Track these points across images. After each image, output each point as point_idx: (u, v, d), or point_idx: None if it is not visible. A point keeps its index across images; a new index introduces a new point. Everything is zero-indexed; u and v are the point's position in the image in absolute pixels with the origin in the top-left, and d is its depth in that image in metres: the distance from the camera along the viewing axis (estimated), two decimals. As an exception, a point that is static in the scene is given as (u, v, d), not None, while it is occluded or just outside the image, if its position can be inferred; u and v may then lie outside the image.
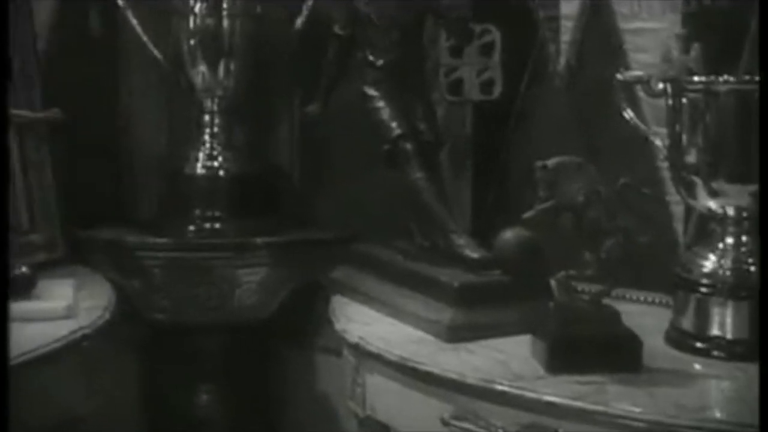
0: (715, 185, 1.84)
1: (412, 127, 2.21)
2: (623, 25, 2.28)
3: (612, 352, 1.76)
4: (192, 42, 2.70)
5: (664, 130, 1.94)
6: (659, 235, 2.01)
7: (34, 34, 2.66)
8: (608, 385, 1.69)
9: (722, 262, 1.87)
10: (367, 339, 2.00)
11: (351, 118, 2.45)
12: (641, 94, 2.02)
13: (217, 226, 2.68)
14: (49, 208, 2.61)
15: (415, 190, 2.18)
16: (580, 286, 1.84)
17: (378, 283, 2.23)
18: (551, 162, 1.80)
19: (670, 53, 1.93)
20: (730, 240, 1.88)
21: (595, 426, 1.60)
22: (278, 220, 2.76)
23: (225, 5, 2.68)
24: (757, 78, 1.78)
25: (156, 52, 2.77)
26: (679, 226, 2.18)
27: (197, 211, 2.69)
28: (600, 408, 1.61)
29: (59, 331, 2.04)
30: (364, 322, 2.13)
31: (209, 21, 2.68)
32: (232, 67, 2.71)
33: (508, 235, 2.02)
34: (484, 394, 1.73)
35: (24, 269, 2.20)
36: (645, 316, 2.01)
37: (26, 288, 2.18)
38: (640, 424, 1.57)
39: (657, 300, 2.18)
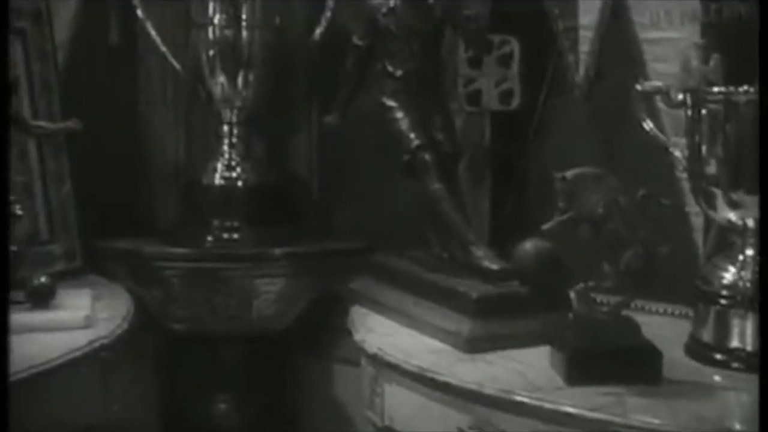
0: (734, 196, 1.83)
1: (431, 137, 2.21)
2: (642, 34, 2.27)
3: (631, 364, 1.75)
4: (211, 53, 2.71)
5: (683, 141, 1.93)
6: (679, 247, 1.99)
7: (54, 45, 2.68)
8: (627, 396, 1.67)
9: (742, 273, 1.86)
10: (386, 349, 2.00)
11: (369, 129, 2.45)
12: (660, 104, 2.02)
13: (236, 236, 2.69)
14: (68, 218, 2.63)
15: (434, 200, 2.18)
16: (599, 298, 1.83)
17: (396, 294, 2.22)
18: (570, 173, 1.80)
19: (689, 63, 1.93)
20: (749, 252, 1.87)
21: (614, 437, 1.60)
22: (296, 231, 2.77)
23: (244, 16, 2.68)
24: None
25: (175, 63, 2.79)
26: (698, 238, 2.17)
27: (215, 222, 2.69)
28: (619, 419, 1.59)
29: (78, 340, 2.05)
30: (382, 333, 2.13)
31: (228, 32, 2.69)
32: (250, 77, 2.72)
33: (527, 246, 2.01)
34: (503, 404, 1.72)
35: (43, 279, 2.21)
36: (664, 328, 2.01)
37: (45, 298, 2.19)
38: (660, 437, 1.56)
39: (676, 312, 2.18)
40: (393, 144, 2.24)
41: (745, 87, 1.82)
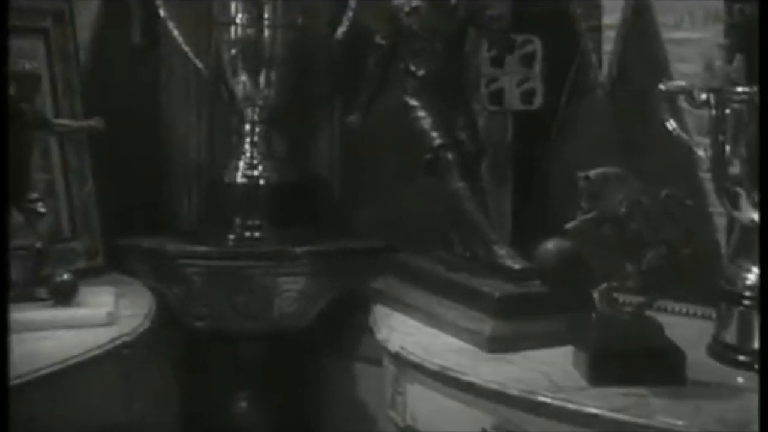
0: (758, 196, 1.82)
1: (453, 137, 2.20)
2: (665, 35, 2.26)
3: (654, 365, 1.74)
4: (233, 52, 2.72)
5: (706, 141, 1.92)
6: (702, 247, 1.99)
7: (77, 44, 2.69)
8: (650, 397, 1.67)
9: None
10: (408, 348, 2.00)
11: (391, 128, 2.46)
12: (684, 104, 2.01)
13: (257, 234, 2.69)
14: (90, 216, 2.64)
15: (456, 200, 2.17)
16: (622, 298, 1.83)
17: (419, 293, 2.22)
18: (594, 173, 1.79)
19: (712, 63, 1.92)
20: (773, 252, 1.87)
21: (637, 438, 1.59)
22: (318, 230, 2.77)
23: (266, 15, 2.69)
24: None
25: (197, 62, 2.80)
26: (721, 238, 2.16)
27: (237, 220, 2.70)
28: (642, 421, 1.58)
29: (100, 338, 2.06)
30: (404, 332, 2.12)
31: (250, 31, 2.70)
32: (272, 77, 2.73)
33: (550, 245, 2.00)
34: (526, 405, 1.72)
35: (66, 276, 2.22)
36: (687, 329, 2.00)
37: (68, 295, 2.20)
38: (683, 438, 1.55)
39: (699, 312, 2.16)
40: (415, 143, 2.24)
41: (771, 87, 1.81)
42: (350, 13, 2.75)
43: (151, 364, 2.29)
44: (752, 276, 1.86)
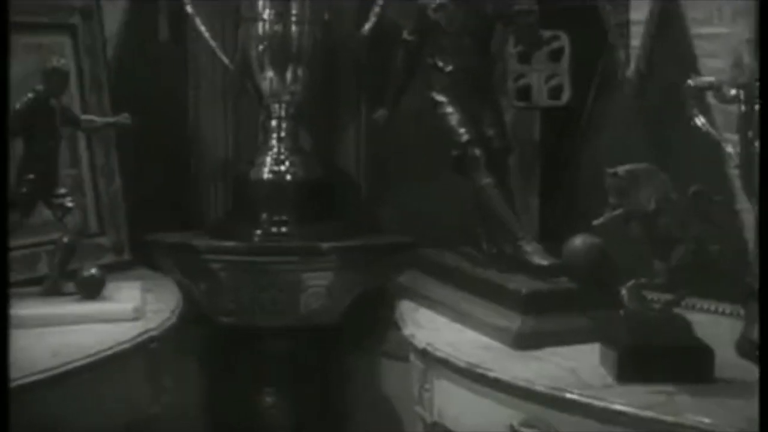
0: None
1: (481, 133, 2.20)
2: (694, 30, 2.24)
3: (683, 362, 1.74)
4: (260, 48, 2.72)
5: (735, 137, 1.90)
6: (730, 244, 1.98)
7: (105, 41, 2.70)
8: (678, 395, 1.66)
9: (795, 271, 1.84)
10: (435, 344, 2.00)
11: (417, 124, 2.45)
12: (712, 100, 2.00)
13: (284, 230, 2.69)
14: (117, 211, 2.65)
15: (484, 196, 2.17)
16: (649, 295, 1.82)
17: (445, 289, 2.22)
18: (622, 169, 1.79)
19: (741, 59, 1.90)
20: (802, 249, 1.85)
21: (666, 436, 1.58)
22: (345, 225, 2.77)
23: (293, 11, 2.70)
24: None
25: (224, 58, 2.80)
26: (750, 235, 2.14)
27: (264, 216, 2.70)
28: (670, 418, 1.58)
29: (127, 332, 2.07)
30: (431, 328, 2.13)
31: (277, 27, 2.70)
32: (299, 72, 2.74)
33: (577, 242, 2.00)
34: (554, 402, 1.71)
35: (93, 271, 2.23)
36: (716, 326, 1.99)
37: (95, 290, 2.21)
38: (712, 436, 1.54)
39: (727, 310, 2.15)
40: (442, 139, 2.24)
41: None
42: (377, 9, 2.75)
43: (177, 359, 2.29)
44: (781, 273, 1.86)
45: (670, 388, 1.68)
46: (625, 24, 2.36)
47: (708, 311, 2.16)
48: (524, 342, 1.93)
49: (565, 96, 2.44)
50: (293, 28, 2.70)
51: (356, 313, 2.74)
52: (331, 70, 2.83)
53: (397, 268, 2.46)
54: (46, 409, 1.83)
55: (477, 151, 2.18)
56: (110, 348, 1.98)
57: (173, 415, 2.25)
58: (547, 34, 2.34)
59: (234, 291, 2.66)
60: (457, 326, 2.11)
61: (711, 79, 1.96)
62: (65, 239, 2.24)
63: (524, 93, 2.42)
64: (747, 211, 2.09)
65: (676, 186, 1.79)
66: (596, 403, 1.66)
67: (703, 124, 1.97)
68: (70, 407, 1.88)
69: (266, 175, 2.74)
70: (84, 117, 2.45)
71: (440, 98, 2.24)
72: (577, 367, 1.82)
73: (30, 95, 2.19)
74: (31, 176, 2.20)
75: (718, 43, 2.19)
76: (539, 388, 1.74)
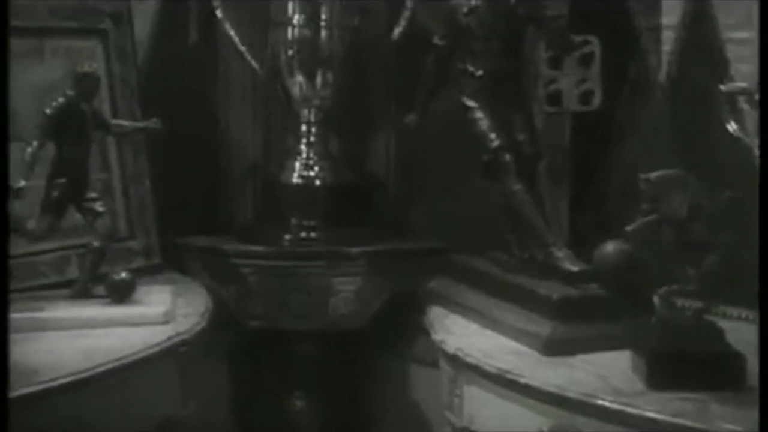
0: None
1: (512, 138, 2.19)
2: (726, 34, 2.23)
3: (715, 370, 1.72)
4: (290, 52, 2.72)
5: (768, 143, 1.89)
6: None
7: (135, 45, 2.72)
8: (710, 403, 1.64)
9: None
10: (466, 350, 1.99)
11: (447, 129, 2.45)
12: (745, 105, 1.98)
13: (313, 235, 2.70)
14: (147, 215, 2.66)
15: (514, 201, 2.16)
16: (680, 302, 1.81)
17: (475, 295, 2.22)
18: (655, 175, 1.78)
19: (774, 65, 1.89)
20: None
21: (698, 444, 1.57)
22: (374, 230, 2.77)
23: (323, 16, 2.70)
24: None
25: (254, 63, 2.81)
26: (784, 242, 2.12)
27: (293, 220, 2.71)
28: (702, 426, 1.56)
29: (157, 336, 2.07)
30: (461, 333, 2.12)
31: (307, 31, 2.70)
32: (329, 77, 2.74)
33: (609, 248, 1.99)
34: (584, 408, 1.70)
35: (124, 274, 2.24)
36: (747, 334, 1.95)
37: (125, 293, 2.22)
38: (744, 444, 1.53)
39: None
40: (472, 144, 2.23)
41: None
42: (407, 14, 2.75)
43: (206, 363, 2.30)
44: (815, 280, 1.84)
45: (701, 395, 1.66)
46: (657, 28, 2.35)
47: (739, 318, 2.13)
48: (555, 348, 1.92)
49: (596, 101, 2.42)
50: (323, 32, 2.70)
51: (385, 317, 2.73)
52: (361, 74, 2.82)
53: (426, 273, 2.45)
54: (75, 411, 1.84)
55: (507, 157, 2.17)
56: (141, 351, 1.98)
57: (202, 419, 2.25)
58: (577, 38, 2.32)
59: (263, 295, 2.66)
60: (488, 332, 2.10)
61: (743, 84, 1.94)
62: (96, 243, 2.25)
63: (555, 98, 2.40)
64: (780, 217, 2.08)
65: (708, 192, 1.77)
66: (627, 409, 1.65)
67: (735, 130, 1.95)
68: (99, 409, 1.89)
69: (295, 180, 2.74)
70: (114, 121, 2.47)
71: (471, 103, 2.23)
72: (607, 373, 1.81)
73: (61, 99, 2.20)
74: (62, 180, 2.22)
75: (751, 47, 2.17)
76: (570, 394, 1.73)
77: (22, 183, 2.09)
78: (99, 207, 2.26)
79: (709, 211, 1.76)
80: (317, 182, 2.74)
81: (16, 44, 2.43)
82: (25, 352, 1.92)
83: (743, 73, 2.15)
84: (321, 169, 2.75)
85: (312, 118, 2.77)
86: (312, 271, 2.64)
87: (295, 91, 2.75)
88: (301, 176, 2.74)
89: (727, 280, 1.77)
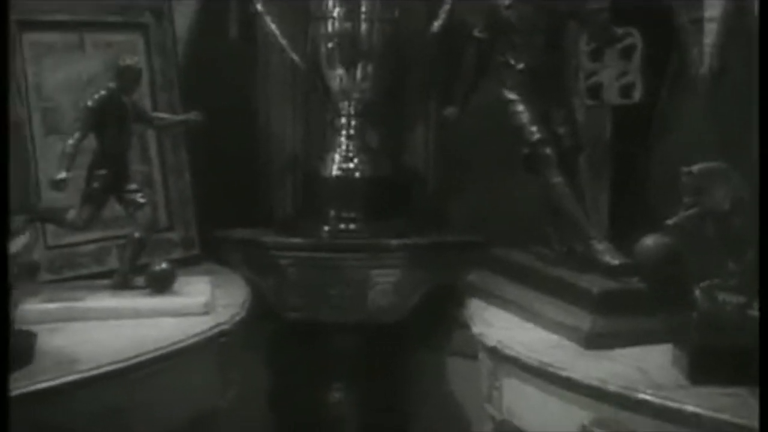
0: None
1: (552, 131, 2.19)
2: (769, 27, 2.21)
3: (756, 365, 1.69)
4: (330, 45, 2.72)
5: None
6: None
7: (175, 39, 2.73)
8: (752, 398, 1.62)
9: None
10: (505, 342, 1.99)
11: (486, 121, 2.44)
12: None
13: (352, 227, 2.70)
14: (187, 206, 2.68)
15: (554, 195, 2.16)
16: (722, 296, 1.79)
17: (515, 288, 2.21)
18: (697, 167, 1.77)
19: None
20: None
21: (739, 439, 1.56)
22: (412, 223, 2.77)
23: (363, 9, 2.70)
24: None
25: (294, 56, 2.81)
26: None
27: (332, 212, 2.71)
28: (744, 421, 1.55)
29: (196, 326, 2.09)
30: (501, 326, 2.11)
31: (347, 25, 2.70)
32: (369, 70, 2.73)
33: (649, 241, 1.98)
34: (625, 402, 1.69)
35: (164, 265, 2.25)
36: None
37: (166, 284, 2.23)
38: (787, 441, 1.51)
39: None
40: (513, 137, 2.23)
41: None
42: (447, 7, 2.74)
43: (245, 354, 2.31)
44: None
45: (743, 390, 1.65)
46: (699, 21, 2.33)
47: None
48: (596, 342, 1.91)
49: (637, 94, 2.41)
50: (363, 25, 2.70)
51: (424, 310, 2.73)
52: (401, 67, 2.82)
53: (465, 266, 2.45)
54: (116, 400, 1.85)
55: (548, 150, 2.16)
56: (181, 341, 2.00)
57: (240, 409, 2.26)
58: (619, 31, 2.31)
59: (301, 287, 2.66)
60: (528, 325, 2.10)
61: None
62: (136, 234, 2.27)
63: (595, 91, 2.39)
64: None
65: (750, 185, 1.76)
66: (669, 404, 1.64)
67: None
68: (140, 399, 1.91)
69: (335, 173, 2.74)
70: (155, 114, 2.48)
71: (511, 96, 2.22)
72: (648, 367, 1.80)
73: (103, 92, 2.22)
74: (103, 172, 2.23)
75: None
76: (611, 387, 1.72)
77: (63, 174, 2.11)
78: (139, 198, 2.28)
79: (751, 206, 1.74)
80: (356, 175, 2.74)
81: (58, 38, 2.48)
82: (66, 341, 1.95)
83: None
84: (360, 161, 2.76)
85: (351, 111, 2.77)
86: (351, 263, 2.64)
87: (335, 84, 2.75)
88: (340, 169, 2.75)
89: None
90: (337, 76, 2.74)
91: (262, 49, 2.92)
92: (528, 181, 2.25)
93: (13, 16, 2.36)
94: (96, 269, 2.42)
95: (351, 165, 2.75)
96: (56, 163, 2.15)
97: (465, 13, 2.63)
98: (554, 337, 2.00)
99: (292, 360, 2.85)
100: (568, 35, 2.29)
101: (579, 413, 1.78)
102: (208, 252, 2.68)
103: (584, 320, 1.96)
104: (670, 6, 2.36)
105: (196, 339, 2.04)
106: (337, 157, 2.76)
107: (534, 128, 2.18)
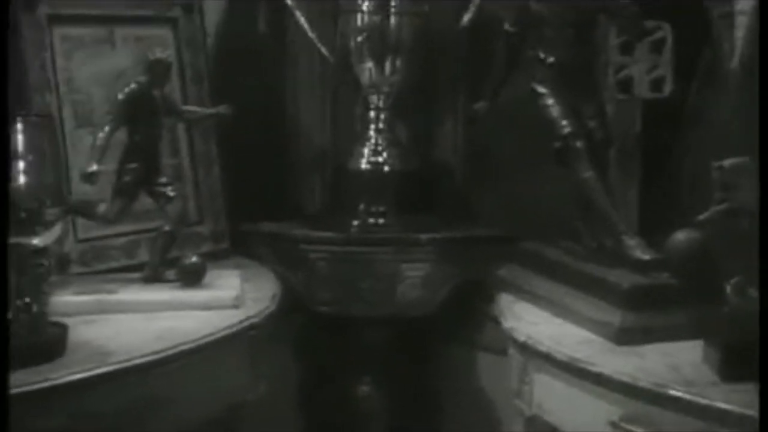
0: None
1: (583, 125, 2.17)
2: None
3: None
4: (359, 39, 2.72)
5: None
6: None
7: (205, 33, 2.74)
8: (783, 394, 1.63)
9: None
10: (536, 338, 1.99)
11: (515, 115, 2.43)
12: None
13: (381, 221, 2.70)
14: (216, 200, 2.68)
15: (585, 189, 2.14)
16: (753, 292, 1.78)
17: (545, 283, 2.20)
18: (728, 162, 1.76)
19: None
20: None
21: (772, 437, 1.55)
22: (442, 217, 2.77)
23: (393, 3, 2.70)
24: None
25: (323, 49, 2.81)
26: None
27: (361, 206, 2.71)
28: (778, 419, 1.55)
29: (228, 319, 2.10)
30: (531, 321, 2.11)
31: (377, 18, 2.70)
32: (398, 63, 2.73)
33: (680, 236, 1.96)
34: (656, 398, 1.68)
35: (194, 259, 2.26)
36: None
37: (196, 277, 2.24)
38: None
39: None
40: (543, 131, 2.22)
41: None
42: (477, 0, 2.73)
43: (274, 347, 2.32)
44: None
45: (776, 387, 1.65)
46: (730, 14, 2.31)
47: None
48: (627, 337, 1.90)
49: (667, 88, 2.40)
50: (392, 18, 2.70)
51: (453, 304, 2.73)
52: (430, 61, 2.82)
53: (495, 260, 2.44)
54: (148, 392, 1.87)
55: (578, 144, 2.15)
56: (212, 334, 2.01)
57: (269, 402, 2.27)
58: (649, 24, 2.30)
59: (331, 281, 2.67)
60: (557, 320, 2.09)
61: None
62: (167, 227, 2.28)
63: (626, 85, 2.38)
64: None
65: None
66: (699, 400, 1.63)
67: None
68: (171, 391, 1.92)
69: (364, 166, 2.74)
70: (186, 108, 2.49)
71: (542, 90, 2.21)
72: (678, 363, 1.78)
73: (133, 85, 2.23)
74: (134, 165, 2.24)
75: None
76: (642, 383, 1.71)
77: (95, 167, 2.13)
78: (170, 192, 2.28)
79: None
80: (386, 168, 2.74)
81: (88, 32, 2.49)
82: (98, 333, 1.96)
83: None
84: (390, 155, 2.75)
85: (381, 105, 2.78)
86: (380, 257, 2.64)
87: (365, 77, 2.75)
88: (369, 162, 2.75)
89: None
90: (366, 69, 2.74)
91: (292, 42, 2.92)
92: (557, 176, 2.23)
93: (43, 11, 2.39)
94: (126, 262, 2.43)
95: (380, 159, 2.75)
96: (87, 156, 2.17)
97: (495, 6, 2.62)
98: (584, 333, 1.99)
99: (322, 354, 2.86)
100: (598, 29, 2.28)
101: (609, 409, 1.77)
102: (238, 246, 2.68)
103: (614, 316, 1.95)
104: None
105: (226, 332, 2.05)
106: (366, 150, 2.76)
107: (565, 122, 2.16)
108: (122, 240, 2.44)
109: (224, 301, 2.18)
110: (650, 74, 2.37)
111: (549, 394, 1.98)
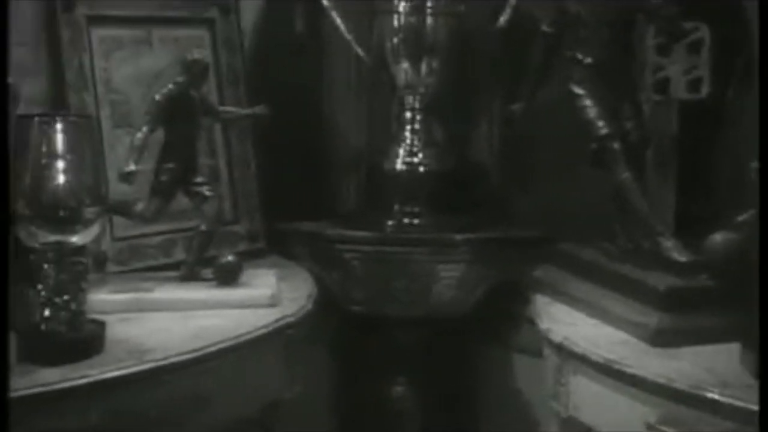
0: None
1: (620, 126, 2.17)
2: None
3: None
4: (395, 40, 2.73)
5: None
6: None
7: (241, 33, 2.76)
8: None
9: None
10: (572, 339, 1.98)
11: (551, 116, 2.43)
12: None
13: (416, 221, 2.70)
14: (252, 200, 2.70)
15: (622, 190, 2.14)
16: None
17: (581, 284, 2.20)
18: (766, 163, 1.74)
19: None
20: None
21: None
22: (477, 217, 2.76)
23: (429, 3, 2.70)
24: None
25: (359, 50, 2.82)
26: None
27: (396, 206, 2.72)
28: (814, 423, 1.54)
29: (264, 318, 2.11)
30: (567, 322, 2.10)
31: (413, 19, 2.70)
32: (434, 64, 2.73)
33: (718, 238, 1.95)
34: (693, 400, 1.68)
35: (231, 258, 2.27)
36: None
37: (233, 276, 2.25)
38: None
39: None
40: (579, 132, 2.21)
41: None
42: (513, 1, 2.72)
43: (310, 347, 2.32)
44: None
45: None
46: (767, 16, 2.30)
47: None
48: (663, 339, 1.90)
49: (705, 89, 2.38)
50: (429, 19, 2.70)
51: (488, 305, 2.72)
52: (466, 62, 2.81)
53: (531, 261, 2.44)
54: (185, 390, 1.88)
55: (615, 145, 2.15)
56: (249, 333, 2.02)
57: (305, 401, 2.28)
58: (687, 25, 2.29)
59: (366, 281, 2.67)
60: (593, 321, 2.09)
61: None
62: (203, 227, 2.29)
63: (663, 86, 2.37)
64: None
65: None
66: (736, 403, 1.62)
67: None
68: (208, 389, 1.93)
69: (399, 167, 2.75)
70: (222, 108, 2.51)
71: (578, 91, 2.21)
72: (715, 366, 1.78)
73: (171, 86, 2.24)
74: (171, 165, 2.26)
75: None
76: (678, 385, 1.71)
77: (132, 167, 2.15)
78: (207, 191, 2.30)
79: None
80: (421, 169, 2.74)
81: (126, 33, 2.52)
82: (135, 331, 1.98)
83: None
84: (425, 155, 2.75)
85: (417, 105, 2.78)
86: (415, 257, 2.64)
87: (401, 78, 2.75)
88: (405, 163, 2.75)
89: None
90: (402, 70, 2.74)
91: (328, 43, 2.93)
92: (594, 177, 2.23)
93: (81, 11, 2.42)
94: (163, 261, 2.45)
95: (416, 159, 2.75)
96: (124, 156, 2.19)
97: (532, 7, 2.62)
98: (620, 334, 1.99)
99: (357, 354, 2.87)
100: (635, 29, 2.27)
101: (645, 411, 1.77)
102: (273, 245, 2.70)
103: (651, 317, 1.94)
104: (739, 1, 2.33)
105: (263, 331, 2.06)
106: (401, 151, 2.76)
107: (602, 123, 2.16)
108: (159, 239, 2.46)
109: (260, 299, 2.19)
110: (687, 75, 2.36)
111: (585, 395, 1.97)
